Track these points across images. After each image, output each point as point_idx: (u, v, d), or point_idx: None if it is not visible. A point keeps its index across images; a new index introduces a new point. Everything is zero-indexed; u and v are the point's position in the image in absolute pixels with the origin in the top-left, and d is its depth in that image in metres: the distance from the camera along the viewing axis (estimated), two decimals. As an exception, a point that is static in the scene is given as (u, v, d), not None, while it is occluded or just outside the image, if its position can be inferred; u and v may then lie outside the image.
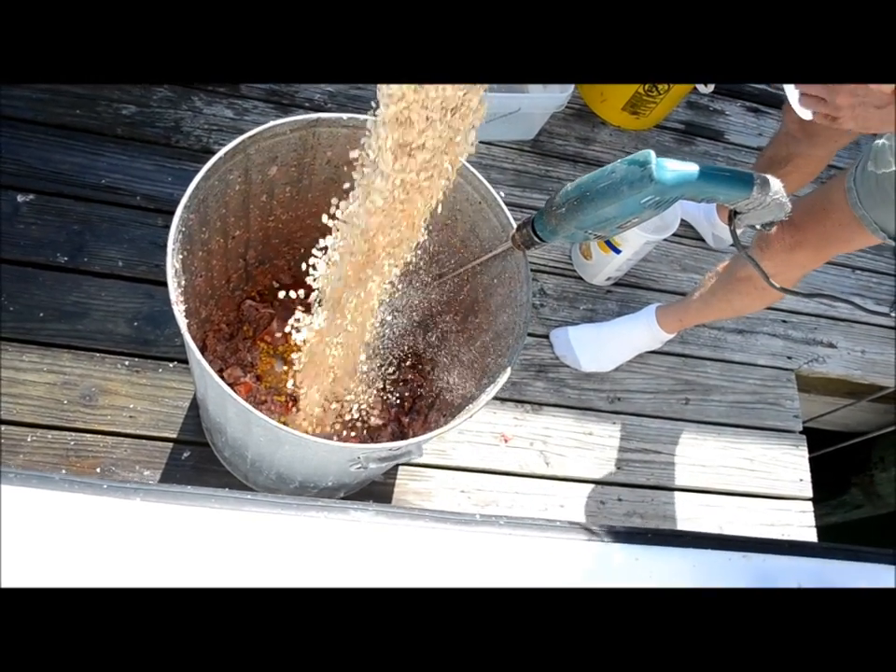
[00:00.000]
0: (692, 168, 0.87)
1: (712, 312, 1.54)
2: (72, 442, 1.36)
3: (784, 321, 1.94)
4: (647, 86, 1.87)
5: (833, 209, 1.16)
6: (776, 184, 0.91)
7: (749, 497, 1.73)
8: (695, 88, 1.73)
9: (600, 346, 1.68)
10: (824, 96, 0.86)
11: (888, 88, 0.79)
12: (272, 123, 1.04)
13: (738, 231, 0.97)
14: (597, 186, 0.90)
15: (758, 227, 0.95)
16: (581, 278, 1.81)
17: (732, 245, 1.17)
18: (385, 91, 0.79)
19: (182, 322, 0.93)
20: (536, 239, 1.01)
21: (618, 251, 1.67)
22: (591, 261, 1.76)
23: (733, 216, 0.96)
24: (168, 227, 0.95)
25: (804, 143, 1.42)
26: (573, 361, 1.69)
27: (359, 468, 1.03)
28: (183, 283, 1.03)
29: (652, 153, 0.87)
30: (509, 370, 1.04)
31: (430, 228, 1.25)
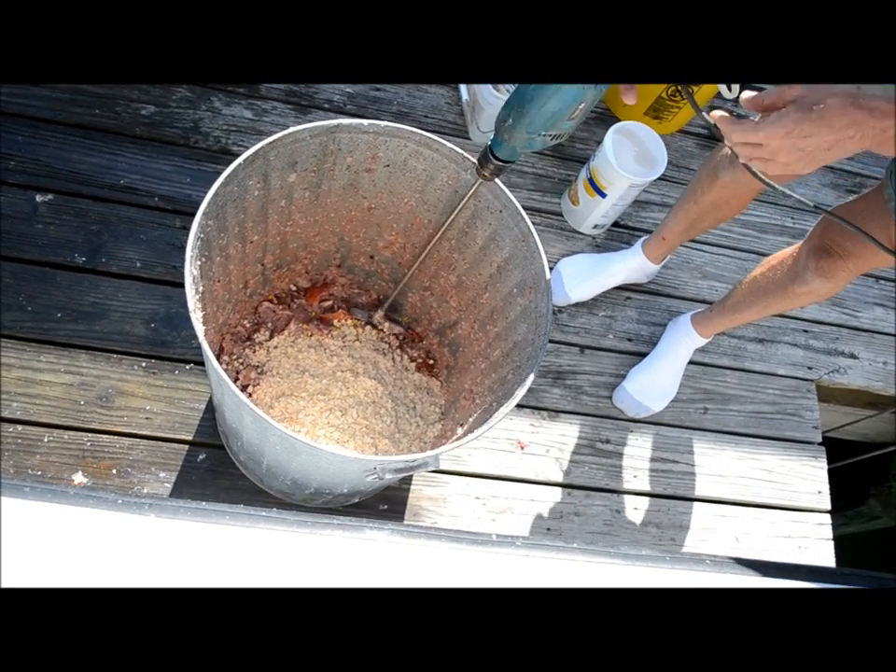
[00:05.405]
0: None
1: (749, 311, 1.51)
2: (88, 443, 1.36)
3: (805, 331, 1.91)
4: (670, 90, 1.84)
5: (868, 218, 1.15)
6: None
7: (766, 509, 1.70)
8: (719, 93, 1.70)
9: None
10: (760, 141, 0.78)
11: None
12: (291, 129, 1.03)
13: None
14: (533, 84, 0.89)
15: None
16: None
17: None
18: None
19: (200, 329, 0.92)
20: (498, 162, 1.02)
21: (604, 195, 1.68)
22: (578, 207, 1.78)
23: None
24: (186, 228, 0.95)
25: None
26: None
27: (375, 478, 1.02)
28: (201, 289, 1.02)
29: None
30: (528, 381, 1.03)
31: (448, 235, 1.24)
